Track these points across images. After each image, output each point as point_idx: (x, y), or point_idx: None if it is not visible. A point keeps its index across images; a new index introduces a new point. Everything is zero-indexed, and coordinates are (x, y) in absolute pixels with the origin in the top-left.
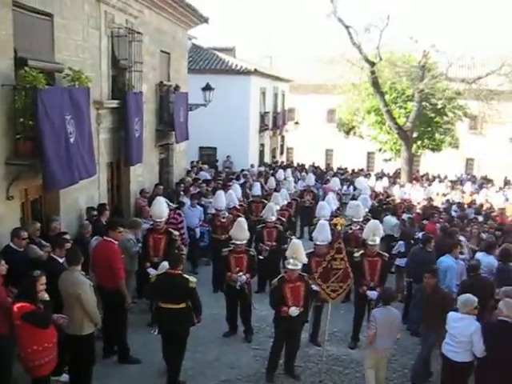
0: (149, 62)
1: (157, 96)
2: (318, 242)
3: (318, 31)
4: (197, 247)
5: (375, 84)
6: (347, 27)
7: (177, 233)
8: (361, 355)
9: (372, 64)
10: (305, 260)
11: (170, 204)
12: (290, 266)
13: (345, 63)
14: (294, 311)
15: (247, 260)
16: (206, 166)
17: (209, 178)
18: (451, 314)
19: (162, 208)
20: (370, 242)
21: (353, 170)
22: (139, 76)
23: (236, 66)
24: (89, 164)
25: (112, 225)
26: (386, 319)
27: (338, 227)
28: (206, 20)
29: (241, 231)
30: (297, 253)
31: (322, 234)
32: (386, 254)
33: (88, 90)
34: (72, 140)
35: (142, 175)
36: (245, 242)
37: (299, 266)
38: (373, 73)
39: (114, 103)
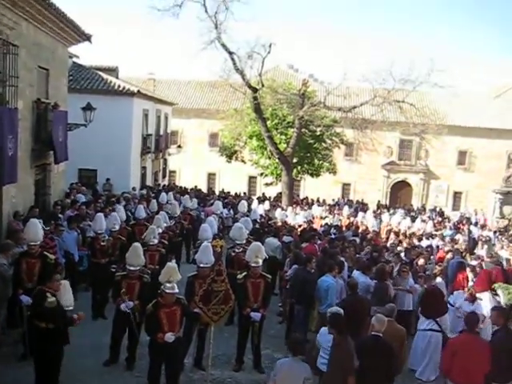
0: (25, 78)
1: (33, 114)
2: (201, 265)
3: (202, 56)
4: (75, 272)
5: (257, 110)
6: (231, 53)
7: (53, 256)
8: (245, 377)
9: (254, 90)
10: (178, 278)
11: (44, 227)
12: (167, 290)
13: (228, 88)
14: (169, 337)
15: (139, 287)
16: (83, 188)
17: (84, 200)
18: (322, 330)
19: (36, 230)
20: (253, 264)
21: (236, 194)
22: (14, 91)
23: (119, 86)
24: None
25: None
26: (290, 373)
27: (218, 249)
28: (88, 38)
29: (136, 256)
30: (172, 275)
31: (206, 256)
32: (269, 276)
33: None
34: None
35: (16, 196)
36: (138, 268)
37: (177, 290)
38: (255, 98)
39: None
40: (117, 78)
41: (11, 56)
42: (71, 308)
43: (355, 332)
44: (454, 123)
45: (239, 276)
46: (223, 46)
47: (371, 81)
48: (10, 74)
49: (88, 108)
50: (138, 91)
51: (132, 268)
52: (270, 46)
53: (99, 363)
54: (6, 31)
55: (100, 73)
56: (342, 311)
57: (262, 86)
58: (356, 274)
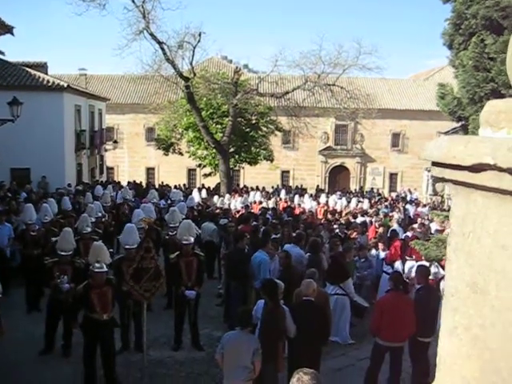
0: None
1: None
2: (127, 246)
3: (133, 49)
4: (8, 267)
5: (191, 100)
6: (160, 43)
7: None
8: (184, 356)
9: (186, 79)
10: (108, 261)
11: None
12: (96, 270)
13: (161, 80)
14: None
15: (72, 271)
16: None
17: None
18: (259, 302)
19: None
20: (184, 242)
21: (174, 186)
22: None
23: (47, 82)
24: None
25: None
26: (238, 345)
27: (145, 225)
28: (10, 30)
29: (65, 241)
30: (100, 255)
31: (130, 236)
32: (202, 254)
33: None
34: None
35: None
36: (70, 252)
37: (105, 268)
38: (187, 88)
39: None
40: (46, 74)
41: None
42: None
43: (289, 300)
44: (387, 106)
45: (172, 256)
46: (152, 35)
47: (302, 66)
48: None
49: (14, 103)
50: (68, 86)
51: (63, 253)
52: (200, 34)
53: (34, 354)
54: None
55: (28, 69)
56: (274, 280)
57: (194, 75)
58: (288, 246)
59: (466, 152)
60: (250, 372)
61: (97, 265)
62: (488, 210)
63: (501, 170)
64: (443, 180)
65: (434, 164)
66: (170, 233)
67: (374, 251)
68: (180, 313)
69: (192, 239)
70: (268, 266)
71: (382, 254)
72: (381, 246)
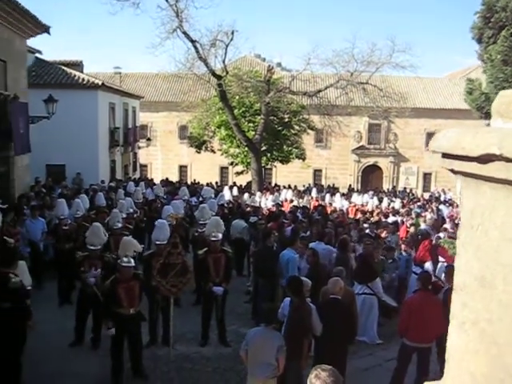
0: None
1: None
2: (157, 242)
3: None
4: (41, 261)
5: (223, 98)
6: (193, 41)
7: (12, 240)
8: (211, 352)
9: (218, 77)
10: (139, 249)
11: (1, 206)
12: (124, 264)
13: (194, 78)
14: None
15: (101, 266)
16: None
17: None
18: (285, 300)
19: None
20: (212, 238)
21: (206, 183)
22: None
23: (82, 80)
24: None
25: None
26: (263, 342)
27: (173, 221)
28: (46, 29)
29: (95, 236)
30: (129, 250)
31: (161, 232)
32: (230, 250)
33: None
34: None
35: None
36: (99, 247)
37: (133, 263)
38: (220, 86)
39: None
40: (81, 72)
41: None
42: (30, 287)
43: (317, 297)
44: (421, 105)
45: (200, 252)
46: (185, 34)
47: (334, 64)
48: None
49: (50, 100)
50: (103, 84)
51: (92, 247)
52: (233, 33)
53: (64, 346)
54: None
55: (64, 67)
56: (299, 277)
57: (227, 73)
58: (313, 244)
59: (474, 142)
60: (274, 369)
61: (124, 259)
62: (496, 201)
63: (508, 160)
64: (453, 172)
65: (444, 156)
66: (200, 229)
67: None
68: (207, 309)
69: (220, 236)
70: (296, 264)
71: (407, 255)
72: (404, 247)
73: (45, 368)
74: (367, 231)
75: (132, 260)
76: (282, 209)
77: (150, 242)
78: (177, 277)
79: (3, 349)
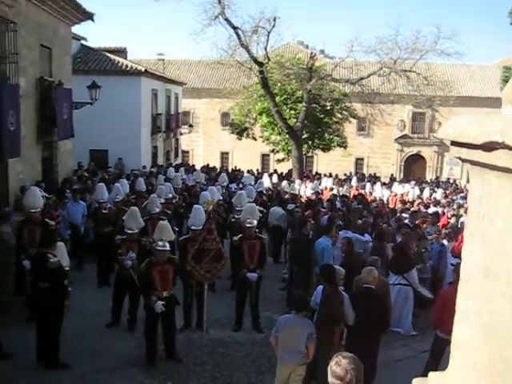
0: (27, 56)
1: (37, 91)
2: (193, 227)
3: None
4: (82, 244)
5: (265, 85)
6: (235, 28)
7: (53, 222)
8: (244, 337)
9: (260, 64)
10: (172, 237)
11: (46, 195)
12: (159, 248)
13: (236, 65)
14: (158, 305)
15: (138, 249)
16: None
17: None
18: (318, 288)
19: (36, 198)
20: (247, 225)
21: (247, 170)
22: (15, 68)
23: (126, 66)
24: None
25: None
26: (293, 329)
27: (209, 207)
28: (90, 16)
29: (133, 220)
30: (164, 234)
31: (197, 218)
32: (265, 237)
33: None
34: None
35: (23, 172)
36: (136, 230)
37: (168, 247)
38: (261, 73)
39: None
40: (125, 58)
41: (10, 33)
42: (67, 268)
43: (351, 286)
44: (468, 94)
45: (235, 238)
46: (227, 20)
47: (377, 51)
48: (9, 51)
49: (93, 86)
50: (146, 70)
51: (130, 231)
52: (275, 19)
53: (101, 326)
54: (4, 8)
55: (108, 54)
56: (332, 265)
57: (268, 60)
58: (341, 232)
59: (479, 130)
60: (303, 356)
61: (160, 243)
62: (502, 190)
63: (510, 148)
64: (461, 160)
65: (453, 143)
66: (237, 216)
67: (445, 242)
68: (241, 294)
69: (255, 222)
70: (331, 253)
71: (440, 246)
72: (436, 237)
73: (82, 347)
74: (406, 221)
75: (167, 244)
76: (321, 197)
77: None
78: (211, 263)
79: (42, 326)
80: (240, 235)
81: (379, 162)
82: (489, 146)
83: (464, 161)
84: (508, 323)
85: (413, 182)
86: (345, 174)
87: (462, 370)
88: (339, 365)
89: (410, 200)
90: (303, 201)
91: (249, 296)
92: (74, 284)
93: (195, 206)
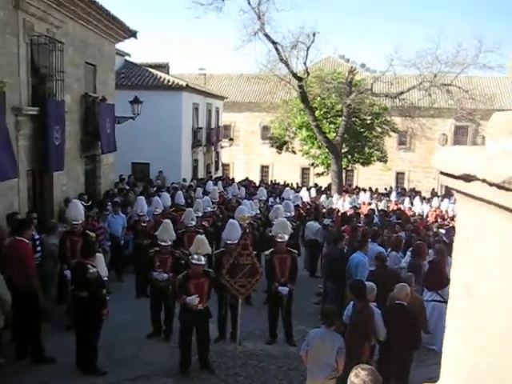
0: (73, 73)
1: (82, 107)
2: (228, 241)
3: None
4: (121, 255)
5: (304, 99)
6: (274, 43)
7: (93, 234)
8: (277, 350)
9: (299, 79)
10: (208, 251)
11: (85, 204)
12: (194, 261)
13: (274, 79)
14: (192, 299)
15: (172, 261)
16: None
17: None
18: (351, 303)
19: (77, 210)
20: (278, 240)
21: (286, 184)
22: (61, 85)
23: (168, 81)
24: (7, 166)
25: (25, 224)
26: (323, 343)
27: (244, 223)
28: (133, 34)
29: (166, 233)
30: (200, 248)
31: (232, 232)
32: (295, 251)
33: (3, 94)
34: None
35: (67, 184)
36: (170, 243)
37: (203, 261)
38: (300, 87)
39: (34, 110)
40: (167, 73)
41: (57, 52)
42: (106, 278)
43: (383, 302)
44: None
45: (266, 252)
46: (266, 36)
47: (417, 65)
48: (56, 69)
49: (135, 101)
50: (187, 85)
51: (163, 243)
52: (314, 35)
53: (138, 335)
54: (52, 29)
55: (150, 69)
56: (362, 281)
57: (308, 74)
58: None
59: (458, 162)
60: (333, 370)
61: (195, 256)
62: (480, 218)
63: (483, 181)
64: (448, 188)
65: (441, 173)
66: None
67: None
68: (273, 308)
69: (286, 237)
70: (366, 268)
71: None
72: None
73: (119, 355)
74: (442, 237)
75: (202, 258)
76: (359, 211)
77: None
78: (245, 277)
79: (81, 334)
80: (271, 250)
81: (420, 176)
82: (466, 178)
83: (451, 189)
84: (488, 341)
85: (453, 198)
86: (385, 189)
87: (451, 382)
88: (358, 376)
89: (450, 215)
90: (339, 215)
91: (281, 309)
92: (112, 294)
93: (230, 220)
